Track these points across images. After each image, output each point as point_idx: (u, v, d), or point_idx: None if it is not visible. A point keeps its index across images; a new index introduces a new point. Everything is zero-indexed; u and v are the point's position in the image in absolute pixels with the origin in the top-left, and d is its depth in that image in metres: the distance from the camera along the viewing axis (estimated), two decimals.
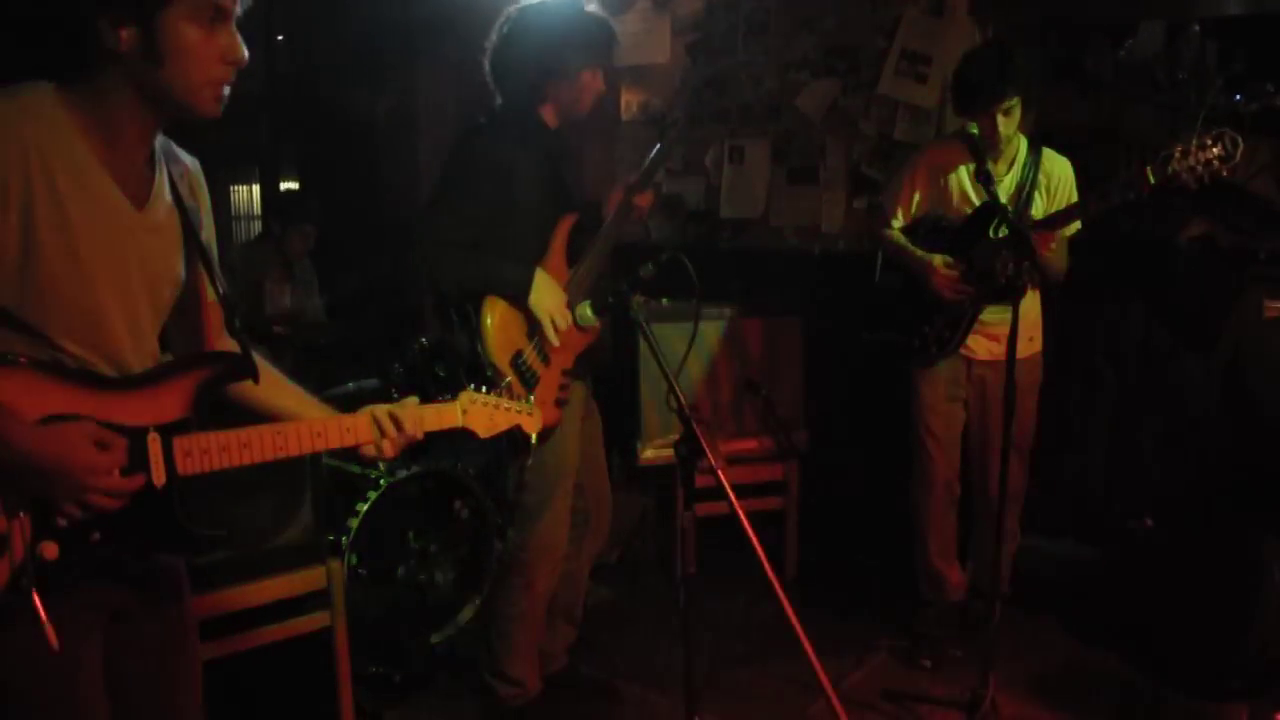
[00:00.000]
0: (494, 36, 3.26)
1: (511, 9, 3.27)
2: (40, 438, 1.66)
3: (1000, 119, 3.59)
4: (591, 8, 3.30)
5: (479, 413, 2.33)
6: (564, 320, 3.20)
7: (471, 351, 3.14)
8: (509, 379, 3.09)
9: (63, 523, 1.71)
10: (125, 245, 1.81)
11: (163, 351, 1.96)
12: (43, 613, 1.66)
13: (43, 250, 1.69)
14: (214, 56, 1.76)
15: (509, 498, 3.45)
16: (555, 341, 3.20)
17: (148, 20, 1.70)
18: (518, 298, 3.17)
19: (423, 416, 2.20)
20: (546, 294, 3.18)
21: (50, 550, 1.70)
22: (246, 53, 1.80)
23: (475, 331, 3.13)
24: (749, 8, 5.26)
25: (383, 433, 2.12)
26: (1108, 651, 3.96)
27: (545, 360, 3.24)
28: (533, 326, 3.21)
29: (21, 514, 1.67)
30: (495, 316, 3.15)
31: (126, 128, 1.78)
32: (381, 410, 2.14)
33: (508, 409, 2.39)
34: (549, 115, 3.29)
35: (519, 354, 3.18)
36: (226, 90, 1.81)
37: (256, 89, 6.67)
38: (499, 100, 3.31)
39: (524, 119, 3.26)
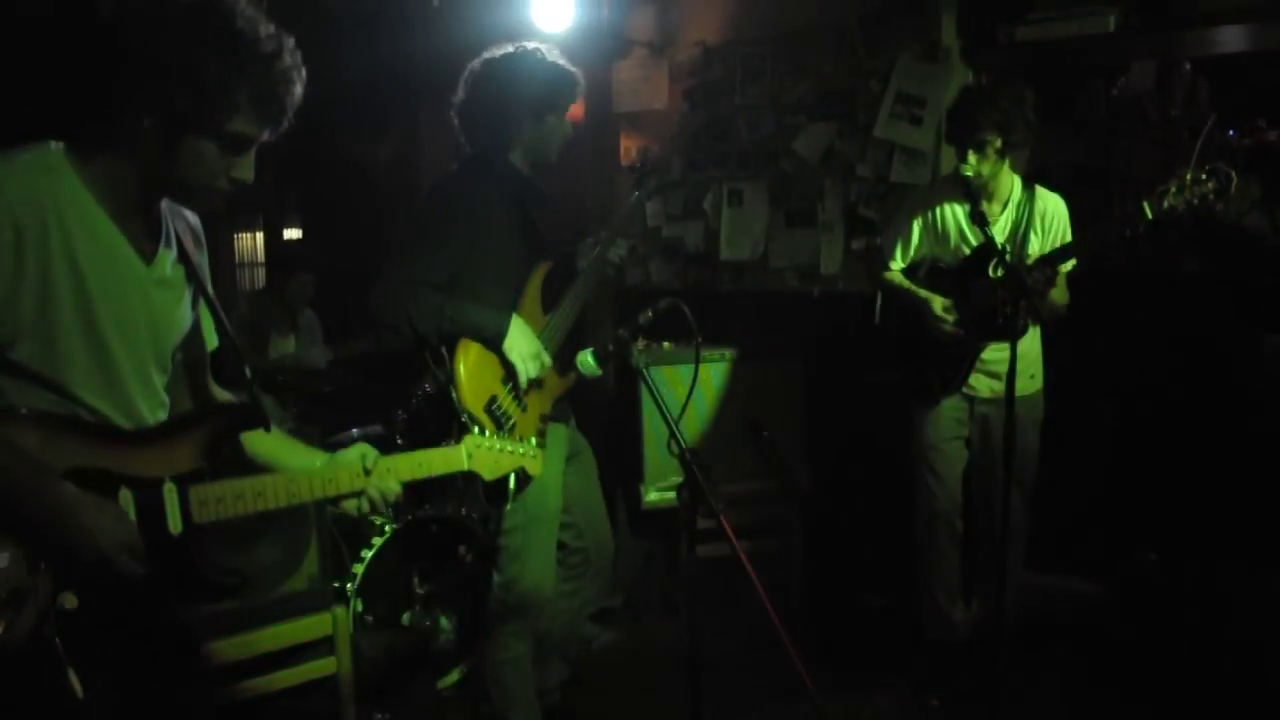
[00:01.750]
0: (460, 91, 3.32)
1: (474, 62, 3.33)
2: (71, 507, 1.70)
3: (972, 154, 3.63)
4: (554, 56, 3.34)
5: (484, 456, 2.37)
6: (537, 366, 3.22)
7: (444, 397, 3.15)
8: (485, 424, 3.08)
9: (82, 573, 1.73)
10: (135, 299, 1.86)
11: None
12: (66, 661, 1.69)
13: (58, 305, 1.73)
14: (222, 172, 1.83)
15: (496, 542, 3.45)
16: (525, 386, 3.21)
17: (177, 133, 1.76)
18: (492, 343, 3.18)
19: (429, 460, 2.24)
20: (521, 339, 3.20)
21: (70, 600, 1.72)
22: (253, 176, 1.86)
23: (449, 377, 3.13)
24: (745, 53, 5.32)
25: (365, 472, 2.15)
26: (1114, 686, 3.95)
27: (521, 405, 3.24)
28: (507, 372, 3.21)
29: (43, 565, 1.70)
30: (469, 363, 3.15)
31: (132, 192, 1.83)
32: (369, 454, 2.18)
33: (512, 451, 2.43)
34: (519, 160, 3.35)
35: (493, 399, 3.18)
36: (222, 198, 1.88)
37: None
38: (472, 148, 3.36)
39: (494, 164, 3.31)
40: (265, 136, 1.85)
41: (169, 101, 1.72)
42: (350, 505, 2.17)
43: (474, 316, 3.16)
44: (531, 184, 3.40)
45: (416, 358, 3.24)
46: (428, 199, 3.32)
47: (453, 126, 3.37)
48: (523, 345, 3.20)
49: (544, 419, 3.31)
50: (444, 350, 3.15)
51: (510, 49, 3.31)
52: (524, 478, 3.08)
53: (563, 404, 3.43)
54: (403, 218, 3.35)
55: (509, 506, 3.23)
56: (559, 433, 3.43)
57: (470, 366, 3.15)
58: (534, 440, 2.52)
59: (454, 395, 3.11)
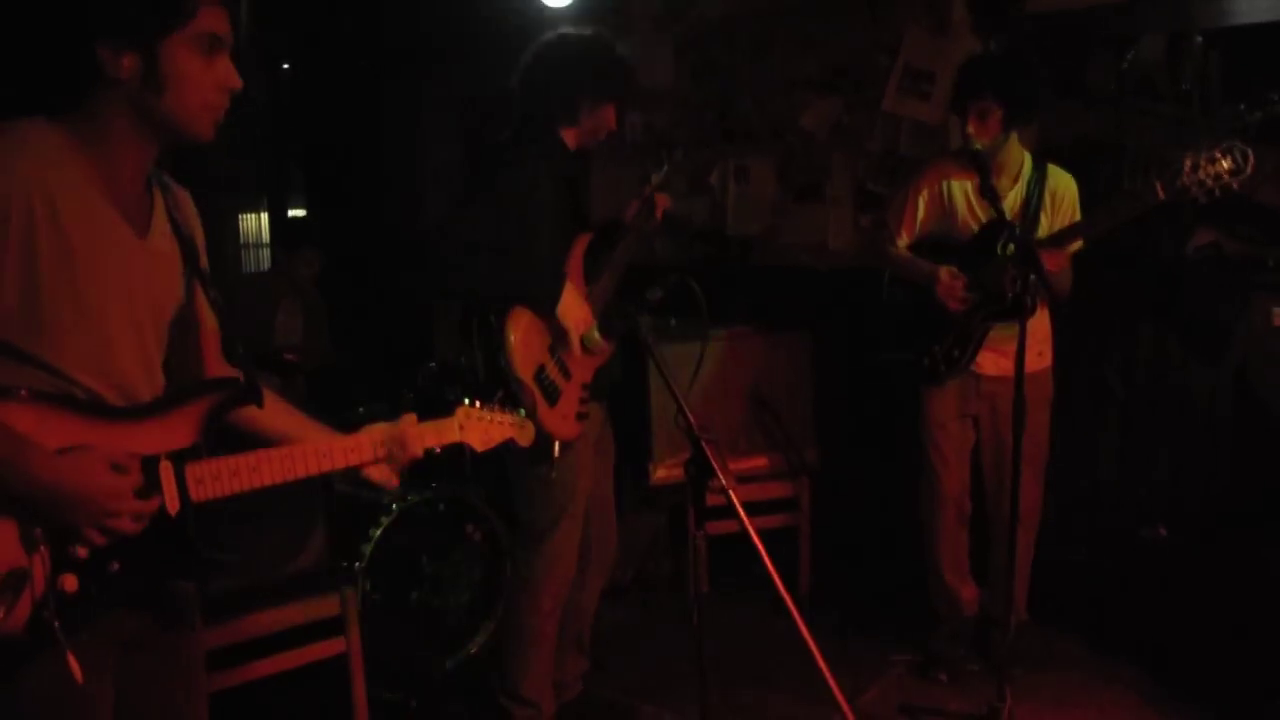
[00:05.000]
0: (529, 55, 3.32)
1: (550, 33, 3.34)
2: (58, 467, 1.68)
3: (973, 120, 3.59)
4: (620, 48, 3.38)
5: (475, 427, 2.36)
6: (589, 332, 3.23)
7: (492, 365, 3.14)
8: (534, 393, 3.10)
9: (82, 553, 1.72)
10: (129, 274, 1.83)
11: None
12: (66, 645, 1.67)
13: (47, 283, 1.71)
14: (212, 84, 1.81)
15: (521, 517, 3.45)
16: (578, 353, 3.22)
17: (150, 48, 1.74)
18: (545, 309, 3.18)
19: (422, 433, 2.23)
20: (575, 306, 3.21)
21: (70, 582, 1.71)
22: (240, 81, 1.85)
23: (499, 345, 3.12)
24: (750, 27, 5.29)
25: (382, 455, 2.15)
26: (1125, 663, 3.95)
27: (567, 374, 3.26)
28: (554, 340, 3.22)
29: (41, 547, 1.68)
30: (520, 330, 3.15)
31: (125, 156, 1.82)
32: (380, 430, 2.17)
33: (501, 422, 2.42)
34: (569, 138, 3.35)
35: (541, 368, 3.19)
36: (222, 115, 1.86)
37: (263, 116, 6.72)
38: (524, 115, 3.35)
39: (547, 138, 3.32)
40: (235, 34, 1.84)
41: (130, 10, 1.72)
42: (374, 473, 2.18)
43: (528, 282, 3.18)
44: (575, 161, 3.42)
45: (462, 326, 3.25)
46: (481, 164, 3.33)
47: (455, 103, 3.37)
48: (576, 311, 3.21)
49: (585, 388, 3.32)
50: (493, 318, 3.15)
51: (587, 31, 3.35)
52: (566, 443, 3.16)
53: (602, 377, 3.43)
54: (439, 191, 3.35)
55: (553, 475, 3.24)
56: (595, 413, 3.43)
57: (521, 334, 3.15)
58: (522, 411, 2.51)
59: (504, 363, 3.10)
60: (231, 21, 1.84)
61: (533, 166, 3.22)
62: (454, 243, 3.08)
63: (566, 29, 3.35)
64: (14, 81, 1.85)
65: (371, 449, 2.14)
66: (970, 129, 3.60)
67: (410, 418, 2.22)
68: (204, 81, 1.80)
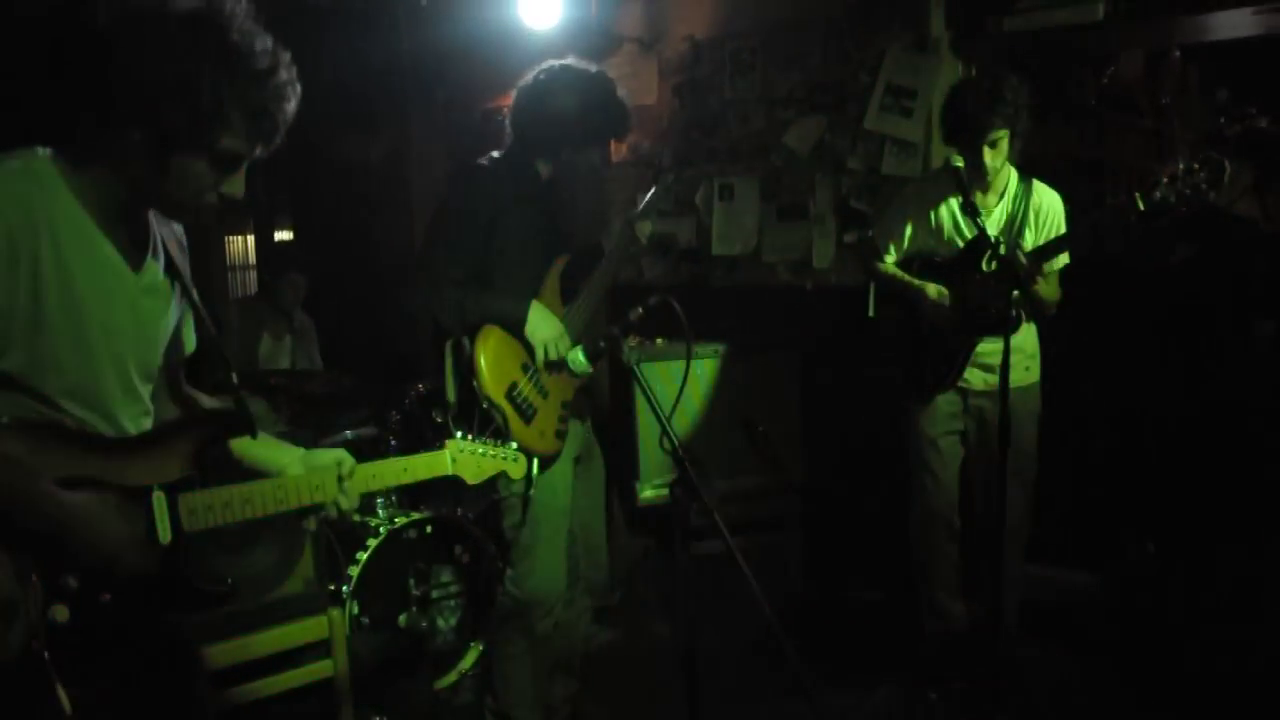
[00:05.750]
0: (529, 80, 3.31)
1: (554, 62, 3.32)
2: (67, 505, 1.69)
3: (987, 151, 3.61)
4: (619, 89, 3.36)
5: (467, 460, 2.41)
6: (558, 349, 3.24)
7: (465, 384, 3.16)
8: (506, 411, 3.11)
9: (73, 584, 1.72)
10: (123, 307, 1.84)
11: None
12: (55, 678, 1.67)
13: (49, 314, 1.72)
14: (211, 188, 1.81)
15: (506, 536, 3.45)
16: (544, 369, 3.24)
17: (167, 146, 1.73)
18: (513, 329, 3.20)
19: (413, 466, 2.24)
20: (543, 324, 3.23)
21: (62, 613, 1.71)
22: (242, 193, 1.84)
23: (470, 365, 3.15)
24: (734, 47, 5.32)
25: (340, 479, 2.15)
26: (1115, 680, 3.95)
27: (543, 392, 3.26)
28: (528, 359, 3.24)
29: (34, 577, 1.68)
30: (489, 350, 3.18)
31: (120, 202, 1.82)
32: (345, 461, 2.18)
33: (494, 455, 2.47)
34: (544, 169, 3.35)
35: (514, 385, 3.20)
36: (210, 215, 1.85)
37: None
38: (509, 139, 3.36)
39: (521, 167, 3.32)
40: (257, 153, 1.83)
41: (159, 116, 1.69)
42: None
43: (494, 303, 3.21)
44: (550, 189, 3.39)
45: (437, 347, 3.27)
46: (451, 190, 3.36)
47: (442, 124, 3.38)
48: (544, 328, 3.23)
49: (565, 407, 3.33)
50: (465, 340, 3.18)
51: (590, 70, 3.32)
52: (545, 460, 3.20)
53: (583, 397, 3.44)
54: (428, 213, 3.36)
55: (531, 491, 3.26)
56: (574, 430, 3.43)
57: (490, 354, 3.17)
58: (514, 445, 2.55)
59: (475, 383, 3.13)
60: (265, 145, 1.83)
61: (502, 195, 3.24)
62: (417, 277, 3.17)
63: (569, 63, 3.32)
64: (29, 110, 1.85)
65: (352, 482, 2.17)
66: (986, 160, 3.60)
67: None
68: (205, 186, 1.79)
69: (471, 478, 2.41)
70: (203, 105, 1.69)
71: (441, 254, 3.19)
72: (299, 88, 1.83)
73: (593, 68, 3.35)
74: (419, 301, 3.19)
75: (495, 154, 3.38)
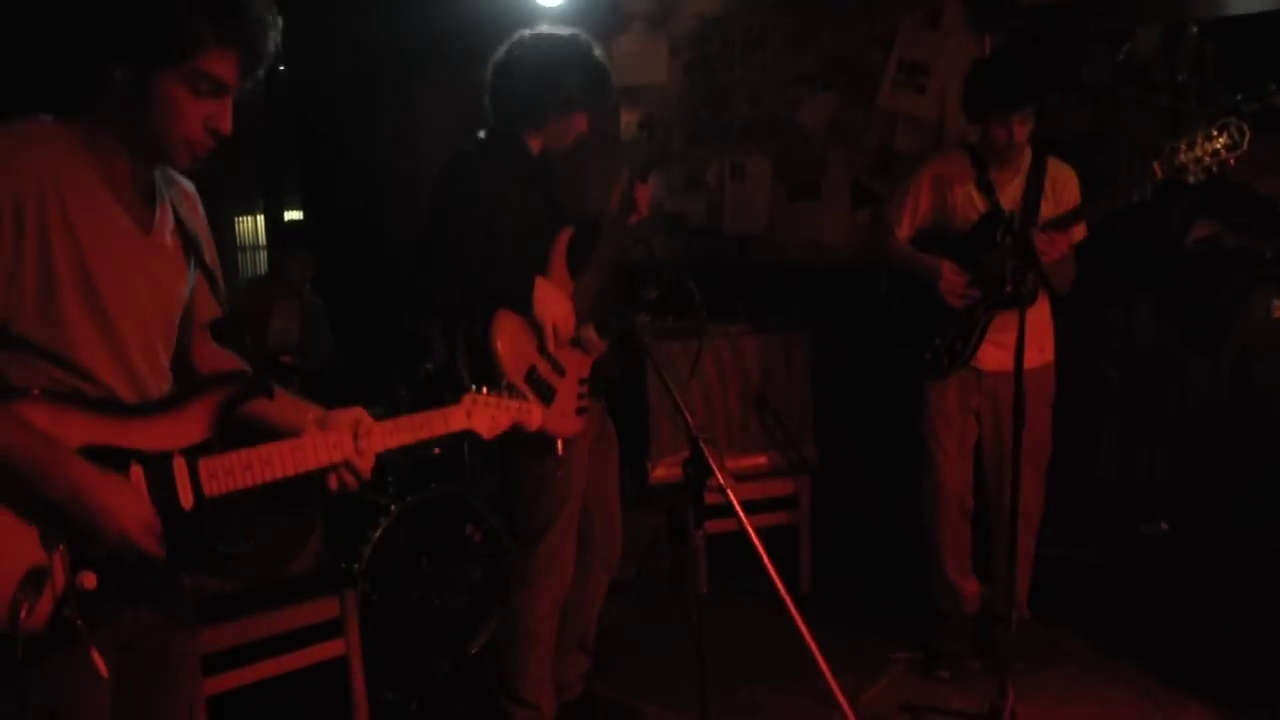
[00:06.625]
0: (501, 54, 3.27)
1: (525, 31, 3.27)
2: (98, 486, 1.70)
3: (1016, 126, 3.58)
4: (600, 54, 3.29)
5: (482, 413, 2.37)
6: (568, 327, 3.21)
7: (481, 372, 3.14)
8: (527, 396, 3.10)
9: (99, 551, 1.74)
10: (136, 270, 1.85)
11: None
12: (89, 641, 1.69)
13: (59, 278, 1.73)
14: (197, 120, 1.80)
15: (518, 516, 3.44)
16: (554, 347, 3.21)
17: (143, 72, 1.75)
18: (523, 310, 3.17)
19: (429, 421, 2.23)
20: (550, 302, 3.20)
21: (89, 580, 1.73)
22: (230, 127, 1.84)
23: (487, 353, 3.12)
24: (745, 25, 5.28)
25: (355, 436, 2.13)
26: (1127, 659, 3.94)
27: (561, 371, 3.25)
28: (542, 339, 3.22)
29: (61, 545, 1.70)
30: (505, 336, 3.15)
31: (123, 159, 1.82)
32: (362, 418, 2.15)
33: (507, 407, 2.42)
34: (534, 143, 3.31)
35: (532, 369, 3.19)
36: (204, 151, 1.85)
37: (258, 118, 6.71)
38: (491, 119, 3.32)
39: (511, 144, 3.28)
40: (243, 83, 1.84)
41: (133, 38, 1.72)
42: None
43: (499, 285, 3.17)
44: (544, 163, 3.37)
45: (447, 335, 3.26)
46: (445, 176, 3.29)
47: (449, 102, 3.34)
48: (552, 306, 3.19)
49: (583, 383, 3.31)
50: (477, 329, 3.16)
51: (563, 33, 3.26)
52: (568, 440, 3.18)
53: (600, 373, 3.41)
54: (423, 198, 3.32)
55: (560, 471, 3.25)
56: (592, 409, 3.42)
57: (507, 338, 3.15)
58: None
59: (494, 370, 3.10)
60: (244, 70, 1.83)
61: (497, 176, 3.20)
62: (423, 266, 3.14)
63: (543, 29, 3.27)
64: (21, 79, 1.86)
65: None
66: (1016, 136, 3.58)
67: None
68: (189, 116, 1.79)
69: (487, 432, 2.36)
70: (171, 17, 1.72)
71: (443, 239, 3.15)
72: (279, 19, 1.87)
73: (566, 31, 3.27)
74: (427, 289, 3.17)
75: (481, 134, 3.33)
